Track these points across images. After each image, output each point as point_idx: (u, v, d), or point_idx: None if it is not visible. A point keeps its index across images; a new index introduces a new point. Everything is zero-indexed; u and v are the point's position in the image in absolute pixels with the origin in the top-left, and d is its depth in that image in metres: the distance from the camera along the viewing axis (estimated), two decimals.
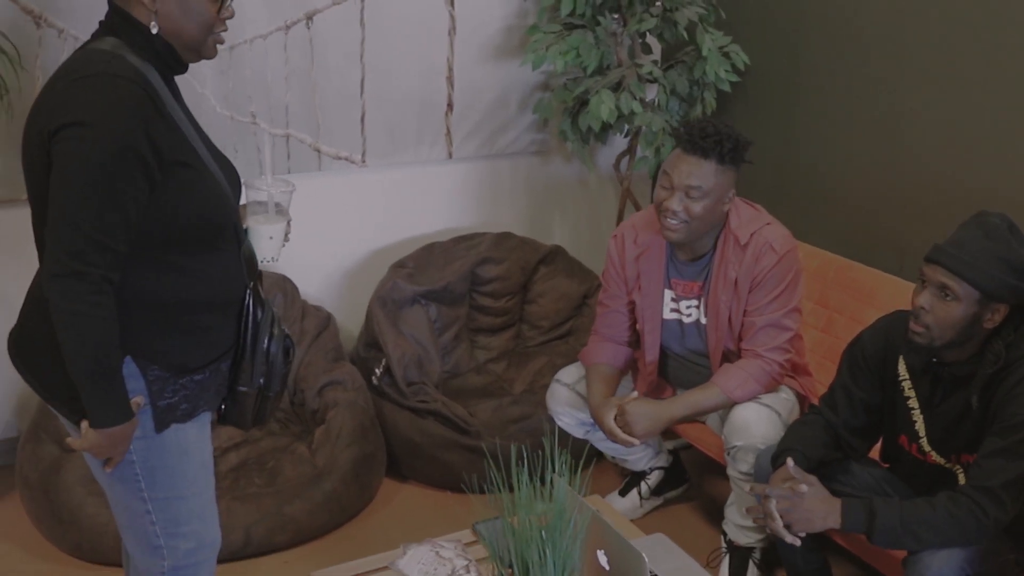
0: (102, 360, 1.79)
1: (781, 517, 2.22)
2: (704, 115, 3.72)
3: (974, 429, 2.19)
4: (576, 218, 4.25)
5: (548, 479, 1.98)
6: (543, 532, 1.89)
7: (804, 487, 2.22)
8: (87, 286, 1.74)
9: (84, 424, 1.84)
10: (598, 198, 4.27)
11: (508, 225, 4.00)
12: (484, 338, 3.85)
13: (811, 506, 2.21)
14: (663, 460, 3.18)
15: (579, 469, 1.99)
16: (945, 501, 2.11)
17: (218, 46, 1.97)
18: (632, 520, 3.12)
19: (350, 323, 3.79)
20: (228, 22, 1.97)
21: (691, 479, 3.28)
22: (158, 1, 1.83)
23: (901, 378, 2.32)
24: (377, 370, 3.43)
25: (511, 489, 2.01)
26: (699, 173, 2.59)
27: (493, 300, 3.81)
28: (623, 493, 3.19)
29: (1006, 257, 2.08)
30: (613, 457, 3.17)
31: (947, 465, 2.29)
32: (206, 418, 2.04)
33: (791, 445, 2.40)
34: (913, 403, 2.30)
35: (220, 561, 2.80)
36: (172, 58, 1.90)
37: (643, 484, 3.17)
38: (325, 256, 3.76)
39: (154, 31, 1.84)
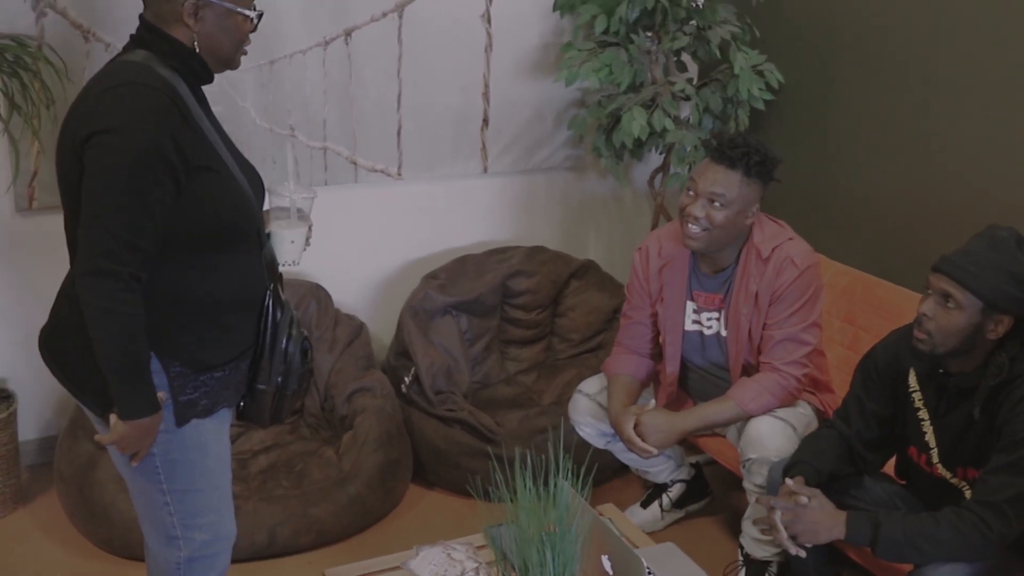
0: (131, 354, 1.88)
1: (786, 529, 2.24)
2: (737, 132, 3.74)
3: (979, 443, 2.20)
4: (610, 233, 4.29)
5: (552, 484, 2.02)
6: (543, 534, 1.93)
7: (804, 499, 2.24)
8: (117, 284, 1.83)
9: (113, 417, 1.92)
10: (633, 214, 4.30)
11: (543, 239, 4.06)
12: (515, 350, 3.90)
13: (815, 518, 2.23)
14: (684, 473, 3.20)
15: (581, 474, 2.02)
16: (950, 515, 2.12)
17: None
18: (653, 532, 3.15)
19: (383, 333, 3.87)
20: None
21: (713, 493, 3.30)
22: (200, 22, 1.93)
23: (912, 389, 2.33)
24: (406, 378, 3.49)
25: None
26: (724, 181, 2.63)
27: (524, 312, 3.86)
28: (645, 505, 3.22)
29: (1010, 268, 2.09)
30: (636, 469, 3.20)
31: (952, 480, 2.29)
32: (225, 415, 2.12)
33: (803, 458, 2.42)
34: (923, 414, 2.31)
35: (245, 559, 2.90)
36: (203, 70, 2.00)
37: (664, 496, 3.19)
38: (360, 266, 3.84)
39: (196, 50, 1.95)
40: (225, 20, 1.97)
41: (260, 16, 2.03)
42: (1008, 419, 2.11)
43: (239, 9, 1.97)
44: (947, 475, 2.30)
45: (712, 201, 2.63)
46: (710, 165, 2.66)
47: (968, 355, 2.18)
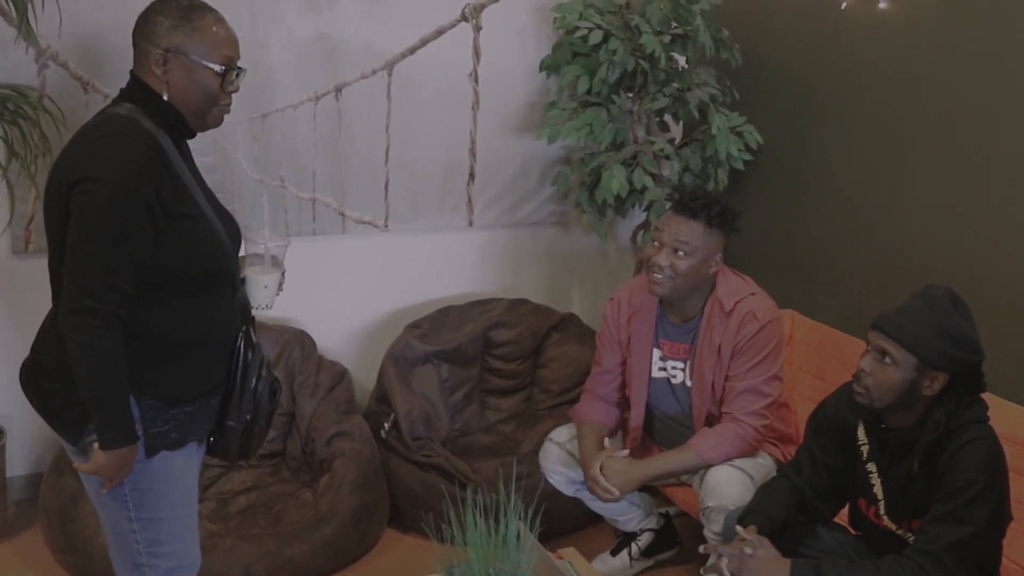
0: (111, 387, 1.99)
1: None
2: (698, 185, 3.85)
3: (921, 496, 2.26)
4: (594, 288, 4.39)
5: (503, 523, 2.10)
6: (491, 571, 2.00)
7: (749, 549, 2.30)
8: (99, 321, 1.95)
9: (94, 447, 2.02)
10: (617, 269, 4.40)
11: (526, 292, 4.15)
12: (495, 399, 3.98)
13: (760, 566, 2.29)
14: (654, 522, 3.26)
15: (529, 514, 2.10)
16: (890, 563, 2.18)
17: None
18: None
19: (367, 379, 3.95)
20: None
21: (683, 543, 3.35)
22: (168, 72, 2.05)
23: (860, 443, 2.40)
24: (386, 424, 3.58)
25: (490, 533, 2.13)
26: (687, 232, 2.75)
27: (505, 363, 3.94)
28: (614, 553, 3.27)
29: (945, 326, 2.18)
30: (607, 517, 3.26)
31: (898, 531, 2.35)
32: (194, 448, 2.20)
33: (756, 507, 2.49)
34: (872, 467, 2.38)
35: None
36: (181, 124, 2.11)
37: (633, 545, 3.25)
38: (346, 314, 3.94)
39: (164, 98, 2.06)
40: (193, 72, 2.06)
41: (237, 73, 2.12)
42: (946, 470, 2.18)
43: (204, 62, 2.06)
44: (893, 527, 2.37)
45: (676, 251, 2.75)
46: (673, 217, 2.78)
47: (906, 411, 2.26)
